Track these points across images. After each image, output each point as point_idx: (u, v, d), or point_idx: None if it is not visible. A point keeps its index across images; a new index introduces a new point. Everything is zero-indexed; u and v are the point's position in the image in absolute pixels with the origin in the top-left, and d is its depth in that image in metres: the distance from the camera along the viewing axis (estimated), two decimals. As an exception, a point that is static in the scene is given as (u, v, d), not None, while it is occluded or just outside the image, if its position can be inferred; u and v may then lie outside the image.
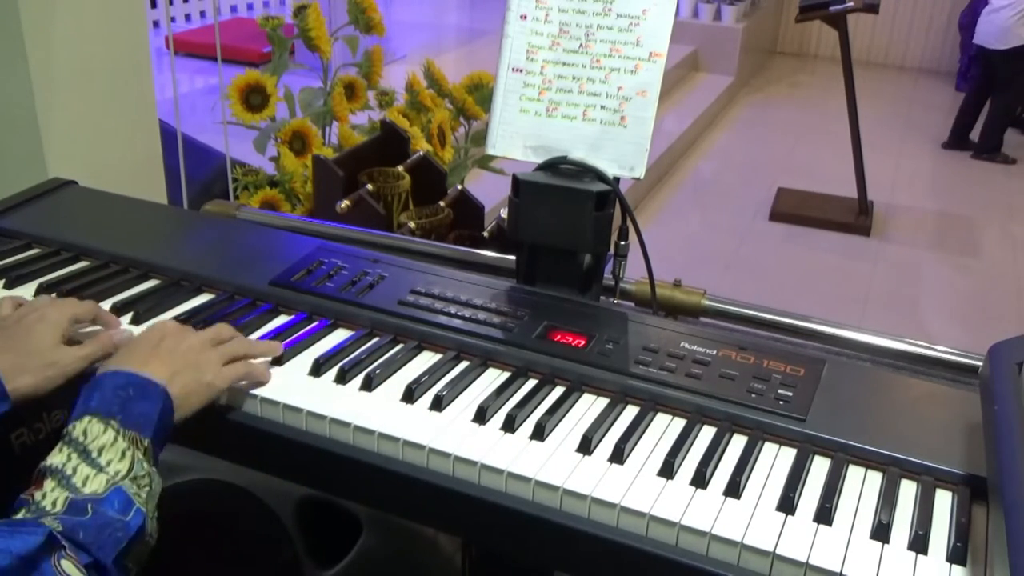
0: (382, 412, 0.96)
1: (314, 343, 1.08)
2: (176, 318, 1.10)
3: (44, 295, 1.11)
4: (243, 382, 0.97)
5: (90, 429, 0.81)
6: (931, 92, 6.50)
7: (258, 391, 0.98)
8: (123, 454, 0.80)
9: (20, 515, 0.75)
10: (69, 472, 0.78)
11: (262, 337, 1.07)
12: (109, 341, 1.00)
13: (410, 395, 0.98)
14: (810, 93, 6.37)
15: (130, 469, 0.80)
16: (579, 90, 1.17)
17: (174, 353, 0.93)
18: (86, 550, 0.74)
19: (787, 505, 0.85)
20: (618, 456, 0.90)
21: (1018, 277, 3.92)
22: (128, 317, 1.11)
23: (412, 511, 0.97)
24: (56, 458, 0.79)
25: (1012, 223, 4.46)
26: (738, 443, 0.94)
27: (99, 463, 0.79)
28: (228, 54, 3.81)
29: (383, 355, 1.06)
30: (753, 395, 0.98)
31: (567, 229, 1.16)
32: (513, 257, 1.26)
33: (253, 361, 0.99)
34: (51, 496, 0.76)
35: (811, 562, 0.79)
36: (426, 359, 1.06)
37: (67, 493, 0.76)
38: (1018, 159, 5.12)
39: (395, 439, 0.92)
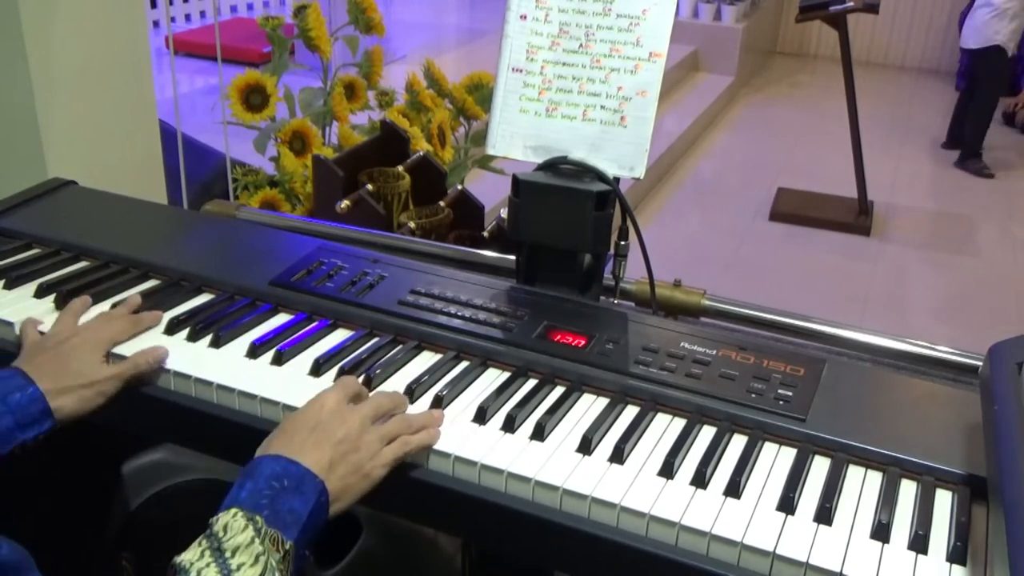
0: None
1: (314, 343, 1.08)
2: (176, 318, 1.10)
3: (93, 314, 1.09)
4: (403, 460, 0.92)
5: (232, 524, 0.77)
6: (931, 92, 6.50)
7: (258, 391, 0.98)
8: (256, 559, 0.76)
9: None
10: (194, 574, 0.74)
11: (261, 337, 1.07)
12: (143, 359, 1.00)
13: (410, 395, 0.98)
14: (810, 93, 6.37)
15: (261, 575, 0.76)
16: (579, 90, 1.17)
17: (333, 438, 0.87)
18: None
19: (787, 505, 0.85)
20: (618, 456, 0.90)
21: (1018, 277, 3.92)
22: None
23: (412, 511, 0.97)
24: (190, 554, 0.76)
25: (1012, 223, 4.46)
26: (738, 443, 0.94)
27: (229, 565, 0.75)
28: (228, 54, 3.81)
29: (383, 355, 1.06)
30: (753, 395, 0.98)
31: (567, 229, 1.16)
32: (513, 257, 1.26)
33: (410, 437, 0.91)
34: None
35: (811, 562, 0.79)
36: (426, 359, 1.06)
37: None
38: (996, 173, 5.10)
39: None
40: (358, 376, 1.01)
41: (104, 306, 1.13)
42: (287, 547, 0.78)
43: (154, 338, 1.07)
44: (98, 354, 1.00)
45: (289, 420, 0.90)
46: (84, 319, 1.08)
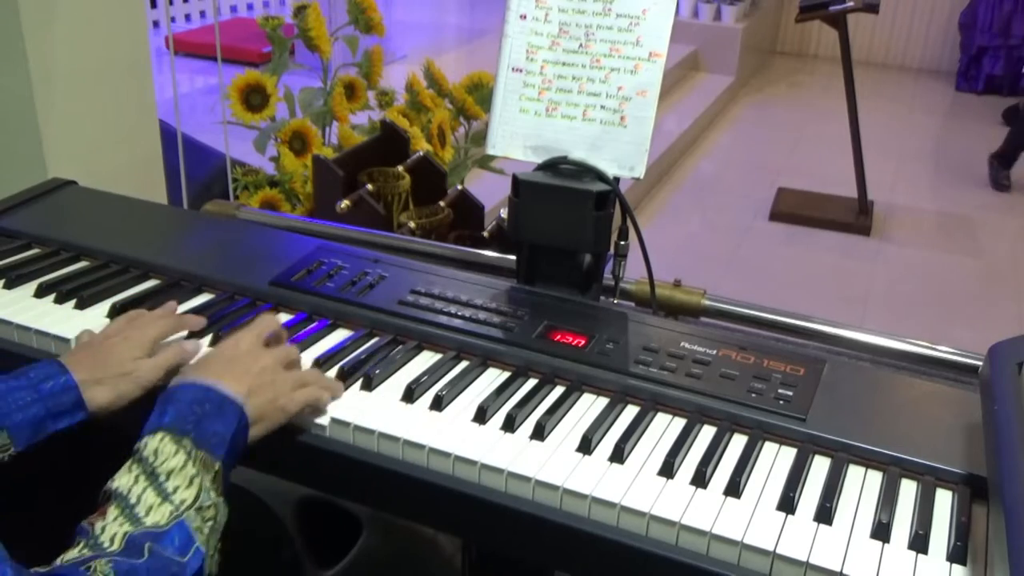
0: (382, 412, 0.96)
1: (314, 343, 1.08)
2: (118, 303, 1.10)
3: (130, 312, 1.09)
4: (308, 409, 0.95)
5: (161, 449, 0.79)
6: (931, 92, 6.49)
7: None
8: (191, 481, 0.78)
9: (76, 549, 0.73)
10: (133, 500, 0.76)
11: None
12: (182, 350, 1.00)
13: (410, 395, 0.98)
14: (810, 93, 6.37)
15: (196, 498, 0.78)
16: (579, 90, 1.17)
17: (250, 370, 0.91)
18: None
19: (787, 505, 0.85)
20: (618, 456, 0.90)
21: (1018, 277, 3.91)
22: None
23: (412, 511, 0.97)
24: (123, 479, 0.78)
25: (1012, 223, 4.46)
26: (738, 443, 0.94)
27: (165, 489, 0.77)
28: (228, 54, 3.81)
29: (383, 355, 1.06)
30: (753, 395, 0.98)
31: (567, 229, 1.16)
32: (513, 257, 1.26)
33: (319, 390, 0.96)
34: (111, 529, 0.74)
35: (811, 561, 0.79)
36: (426, 359, 1.06)
37: (128, 527, 0.74)
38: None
39: (395, 439, 0.92)
40: (358, 376, 1.01)
41: (104, 306, 1.13)
42: (216, 468, 0.81)
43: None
44: (139, 351, 0.99)
45: (204, 355, 0.94)
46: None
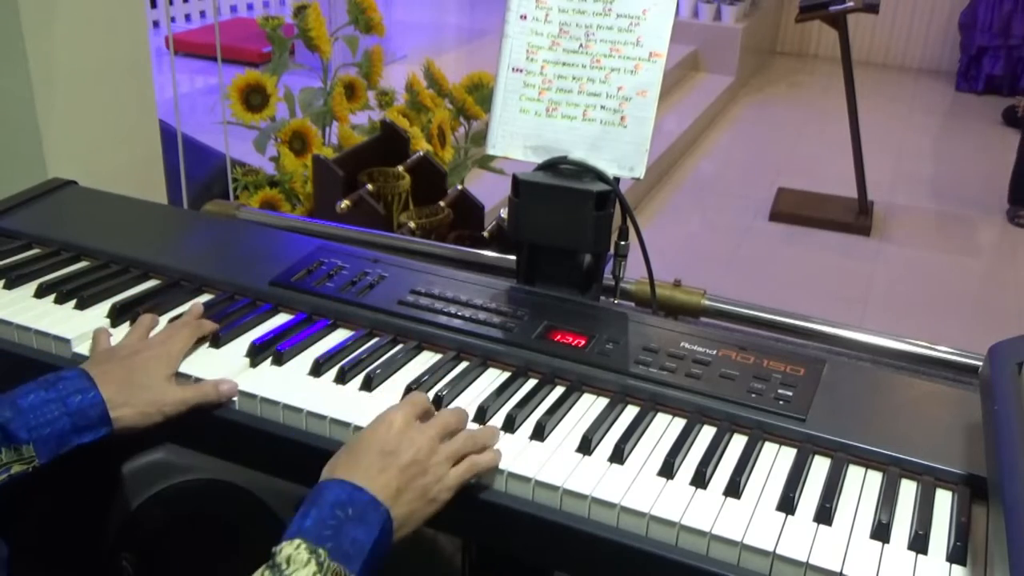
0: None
1: (314, 343, 1.08)
2: (177, 318, 1.10)
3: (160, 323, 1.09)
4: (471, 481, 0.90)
5: (295, 557, 0.76)
6: (931, 92, 6.49)
7: (258, 391, 0.98)
8: None
9: None
10: None
11: (261, 337, 1.07)
12: (213, 391, 0.98)
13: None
14: (810, 93, 6.37)
15: None
16: (579, 90, 1.17)
17: (401, 462, 0.85)
18: None
19: (787, 505, 0.85)
20: (618, 456, 0.90)
21: (1018, 277, 3.91)
22: (128, 317, 1.11)
23: (412, 511, 0.97)
24: None
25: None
26: (738, 443, 0.94)
27: None
28: (228, 54, 3.81)
29: (383, 355, 1.06)
30: (753, 395, 0.98)
31: (567, 229, 1.16)
32: (513, 257, 1.26)
33: (477, 457, 0.89)
34: None
35: (811, 562, 0.79)
36: (426, 359, 1.06)
37: None
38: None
39: (395, 439, 0.92)
40: (358, 376, 1.01)
41: (104, 306, 1.13)
42: None
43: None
44: (167, 371, 0.99)
45: (356, 440, 0.88)
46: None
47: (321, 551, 0.77)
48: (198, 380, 1.01)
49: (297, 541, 0.77)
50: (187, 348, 1.03)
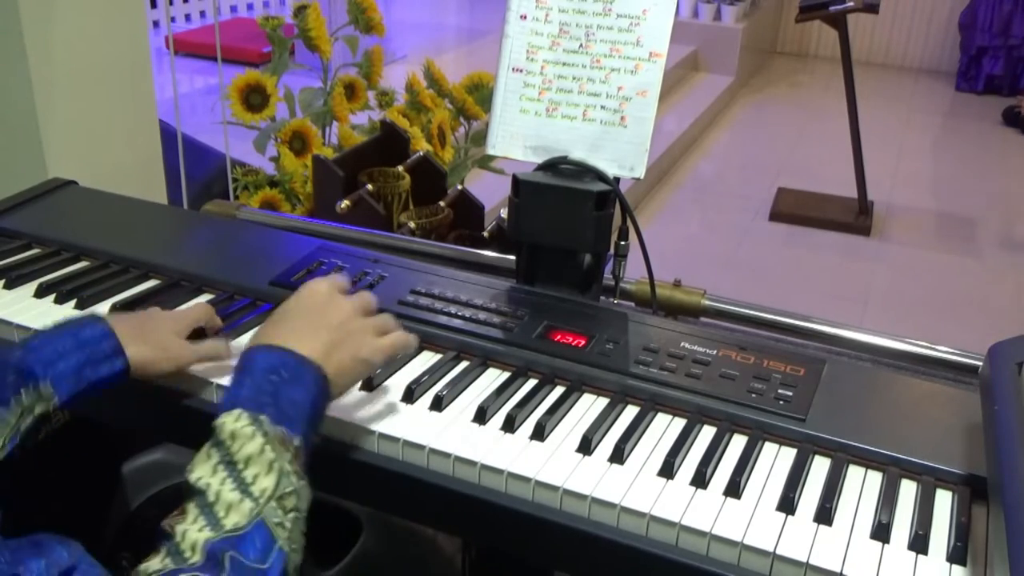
0: (382, 412, 0.96)
1: (314, 343, 1.08)
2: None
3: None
4: (395, 356, 0.92)
5: (239, 431, 0.75)
6: (931, 92, 6.49)
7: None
8: (270, 466, 0.75)
9: (159, 559, 0.70)
10: (212, 498, 0.72)
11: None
12: (225, 348, 0.99)
13: (410, 395, 0.98)
14: (810, 93, 6.37)
15: (276, 486, 0.74)
16: (579, 90, 1.17)
17: (328, 324, 0.86)
18: None
19: (787, 505, 0.85)
20: (618, 456, 0.90)
21: (1018, 277, 3.91)
22: (128, 317, 1.11)
23: (412, 511, 0.97)
24: (203, 468, 0.74)
25: (1012, 223, 4.46)
26: (738, 443, 0.94)
27: (244, 479, 0.73)
28: (228, 54, 3.81)
29: (383, 355, 1.06)
30: (753, 395, 0.98)
31: (567, 229, 1.16)
32: (513, 257, 1.26)
33: (405, 334, 0.93)
34: (191, 536, 0.70)
35: (811, 562, 0.79)
36: (426, 359, 1.06)
37: (208, 532, 0.71)
38: (995, 173, 5.03)
39: (395, 439, 0.92)
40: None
41: (104, 306, 1.13)
42: (296, 444, 0.78)
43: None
44: (176, 327, 0.99)
45: (280, 309, 0.89)
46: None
47: (262, 417, 0.77)
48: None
49: (237, 411, 0.77)
50: (199, 322, 1.04)
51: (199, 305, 1.08)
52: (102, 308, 1.13)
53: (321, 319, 0.87)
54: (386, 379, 1.01)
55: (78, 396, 0.90)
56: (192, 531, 0.71)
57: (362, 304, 0.93)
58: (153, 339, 0.96)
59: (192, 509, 0.73)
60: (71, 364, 0.89)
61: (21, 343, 0.91)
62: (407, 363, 1.05)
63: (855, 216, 4.28)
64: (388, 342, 0.91)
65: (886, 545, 0.82)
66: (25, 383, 0.87)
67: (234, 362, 0.95)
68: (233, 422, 0.76)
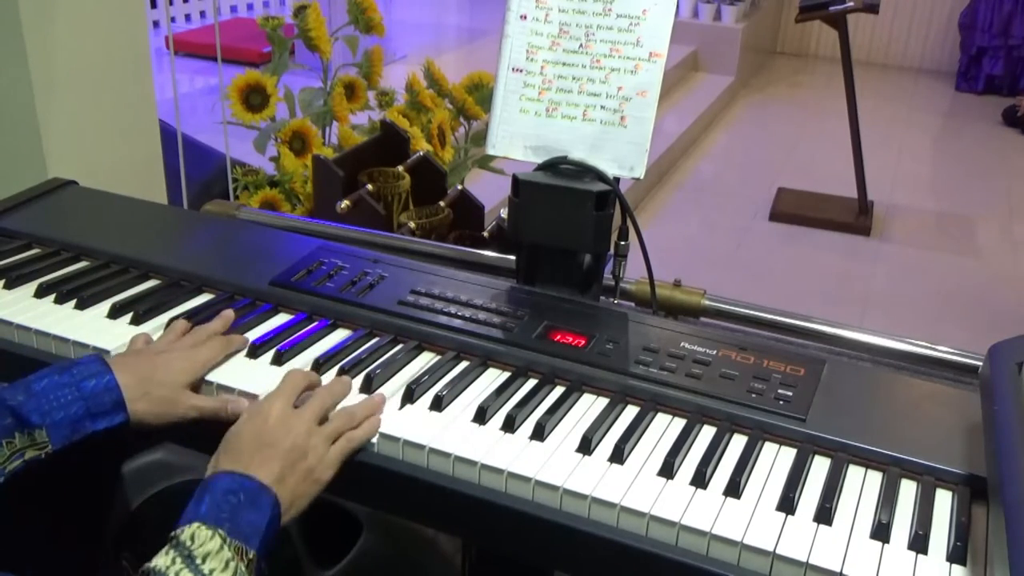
0: (382, 412, 0.96)
1: (314, 343, 1.08)
2: (177, 318, 1.10)
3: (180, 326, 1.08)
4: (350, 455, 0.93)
5: (197, 535, 0.78)
6: (931, 92, 6.49)
7: (257, 391, 0.98)
8: (227, 564, 0.78)
9: None
10: None
11: (261, 337, 1.07)
12: (225, 408, 0.97)
13: (410, 395, 0.98)
14: (810, 93, 6.37)
15: None
16: (579, 90, 1.17)
17: (281, 448, 0.88)
18: None
19: (787, 505, 0.85)
20: (618, 456, 0.90)
21: (1018, 277, 3.91)
22: (128, 317, 1.11)
23: (412, 511, 0.97)
24: (161, 560, 0.77)
25: (1012, 223, 4.45)
26: (738, 443, 0.94)
27: (202, 571, 0.76)
28: (228, 54, 3.80)
29: (383, 355, 1.06)
30: (753, 395, 0.98)
31: (567, 229, 1.16)
32: (513, 257, 1.26)
33: (353, 433, 0.93)
34: None
35: (811, 562, 0.79)
36: (426, 359, 1.06)
37: None
38: (996, 172, 5.03)
39: (395, 439, 0.92)
40: (356, 376, 1.01)
41: (104, 306, 1.13)
42: (251, 556, 0.80)
43: (154, 337, 1.07)
44: (188, 378, 0.98)
45: (235, 434, 0.90)
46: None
47: (221, 531, 0.79)
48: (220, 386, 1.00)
49: (196, 523, 0.79)
50: (214, 361, 1.02)
51: (222, 340, 1.05)
52: (102, 308, 1.13)
53: (274, 446, 0.88)
54: (386, 379, 1.01)
55: (73, 444, 0.91)
56: None
57: (319, 410, 0.93)
58: (159, 395, 0.95)
59: None
60: (69, 415, 0.90)
61: (23, 385, 0.90)
62: (407, 363, 1.05)
63: (855, 216, 4.28)
64: (337, 453, 0.92)
65: (886, 545, 0.82)
66: (20, 428, 0.88)
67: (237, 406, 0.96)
68: (192, 529, 0.79)
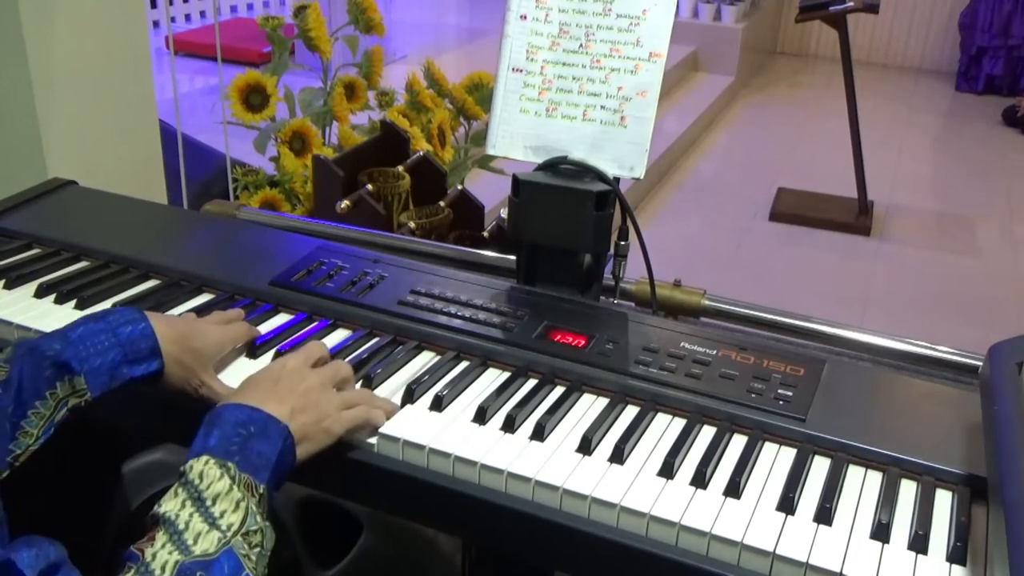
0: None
1: (314, 343, 1.08)
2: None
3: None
4: (360, 430, 0.94)
5: (207, 472, 0.77)
6: (931, 92, 6.49)
7: (258, 391, 0.98)
8: (237, 505, 0.77)
9: None
10: (181, 526, 0.74)
11: (261, 337, 1.07)
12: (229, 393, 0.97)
13: (410, 395, 0.98)
14: (810, 93, 6.37)
15: (243, 522, 0.76)
16: (579, 90, 1.17)
17: (294, 391, 0.90)
18: None
19: (787, 505, 0.85)
20: (618, 456, 0.90)
21: (1018, 277, 3.91)
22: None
23: (412, 511, 0.97)
24: (170, 504, 0.76)
25: (1012, 223, 4.45)
26: (738, 443, 0.94)
27: (212, 514, 0.75)
28: (228, 54, 3.81)
29: (383, 355, 1.06)
30: (753, 395, 0.98)
31: (567, 229, 1.16)
32: (513, 257, 1.26)
33: (369, 409, 0.94)
34: (161, 557, 0.72)
35: (811, 562, 0.79)
36: (426, 359, 1.06)
37: (177, 555, 0.72)
38: (996, 172, 5.04)
39: (395, 439, 0.92)
40: (358, 376, 1.01)
41: (104, 306, 1.13)
42: (261, 491, 0.80)
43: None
44: (219, 350, 1.00)
45: (249, 379, 0.92)
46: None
47: (230, 464, 0.79)
48: None
49: (205, 457, 0.79)
50: (239, 343, 1.04)
51: (245, 324, 1.07)
52: (102, 308, 1.13)
53: (287, 387, 0.90)
54: (386, 379, 1.01)
55: (111, 392, 0.91)
56: (162, 553, 0.73)
57: (333, 375, 0.95)
58: (190, 356, 0.96)
59: (161, 536, 0.74)
60: (107, 361, 0.90)
61: (60, 333, 0.91)
62: (407, 363, 1.05)
63: (855, 216, 4.28)
64: (351, 415, 0.92)
65: (886, 545, 0.82)
66: (61, 377, 0.88)
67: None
68: (201, 465, 0.78)
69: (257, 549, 0.76)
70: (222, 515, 0.76)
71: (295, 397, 0.89)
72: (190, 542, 0.73)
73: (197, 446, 0.80)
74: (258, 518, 0.78)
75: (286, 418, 0.86)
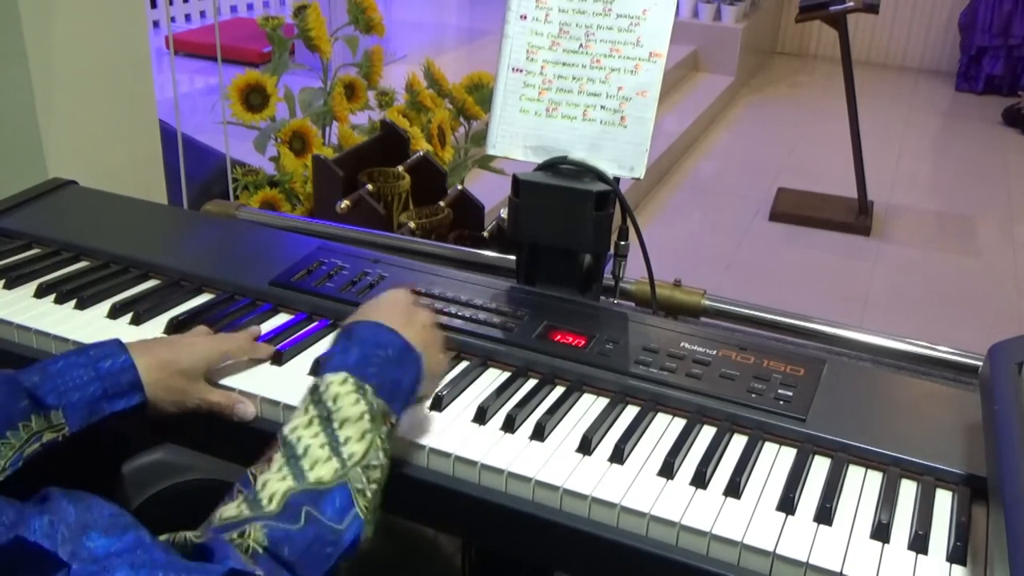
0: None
1: (314, 343, 1.08)
2: (176, 318, 1.10)
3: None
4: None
5: (342, 395, 0.74)
6: (931, 92, 6.49)
7: (258, 391, 0.98)
8: (363, 435, 0.74)
9: (235, 505, 0.69)
10: (300, 451, 0.72)
11: (261, 338, 1.07)
12: (231, 405, 0.96)
13: (410, 395, 0.98)
14: (810, 93, 6.37)
15: (365, 454, 0.73)
16: (579, 90, 1.17)
17: (418, 324, 0.86)
18: (290, 569, 0.67)
19: (787, 505, 0.85)
20: (618, 456, 0.90)
21: (1018, 277, 3.91)
22: (128, 317, 1.11)
23: (412, 511, 0.97)
24: (298, 420, 0.73)
25: (1012, 223, 4.45)
26: (738, 443, 0.94)
27: (337, 439, 0.72)
28: (228, 54, 3.80)
29: (383, 355, 1.06)
30: (753, 395, 0.98)
31: (567, 229, 1.16)
32: (513, 257, 1.26)
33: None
34: (272, 485, 0.70)
35: (811, 562, 0.79)
36: (426, 359, 1.06)
37: (290, 482, 0.70)
38: (995, 172, 5.04)
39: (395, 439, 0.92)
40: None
41: (104, 306, 1.13)
42: (393, 421, 0.77)
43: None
44: (207, 364, 0.97)
45: (370, 303, 0.88)
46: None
47: (368, 387, 0.76)
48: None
49: (343, 375, 0.76)
50: (236, 355, 1.01)
51: (249, 340, 1.04)
52: (102, 308, 1.13)
53: (411, 319, 0.87)
54: (386, 379, 1.01)
55: (90, 426, 0.88)
56: (274, 480, 0.70)
57: (433, 317, 0.94)
58: (177, 379, 0.93)
59: (278, 459, 0.72)
60: (86, 396, 0.87)
61: (38, 367, 0.88)
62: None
63: (855, 216, 4.28)
64: (446, 360, 0.91)
65: (886, 545, 0.82)
66: (37, 410, 0.85)
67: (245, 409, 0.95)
68: (339, 384, 0.75)
69: (374, 486, 0.73)
70: (346, 441, 0.73)
71: (420, 330, 0.86)
72: (306, 468, 0.71)
73: (336, 362, 0.77)
74: (381, 454, 0.75)
75: (420, 349, 0.83)
